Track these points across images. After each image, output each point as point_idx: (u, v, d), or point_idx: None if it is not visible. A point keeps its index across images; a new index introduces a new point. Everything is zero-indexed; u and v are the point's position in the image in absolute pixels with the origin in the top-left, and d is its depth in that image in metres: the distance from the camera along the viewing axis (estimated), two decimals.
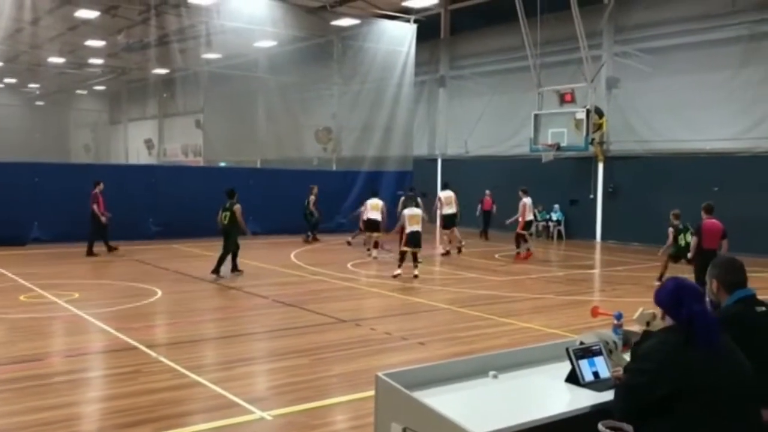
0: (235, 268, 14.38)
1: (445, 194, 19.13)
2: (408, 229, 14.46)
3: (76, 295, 11.80)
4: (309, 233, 21.53)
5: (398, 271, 14.28)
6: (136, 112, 44.74)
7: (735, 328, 3.54)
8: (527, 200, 18.12)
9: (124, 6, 24.50)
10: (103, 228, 17.54)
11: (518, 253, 18.07)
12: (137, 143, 42.76)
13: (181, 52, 26.52)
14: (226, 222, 14.17)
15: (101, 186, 17.66)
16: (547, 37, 21.91)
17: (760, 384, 3.27)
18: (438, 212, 19.38)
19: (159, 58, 28.00)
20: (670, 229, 13.71)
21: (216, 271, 13.97)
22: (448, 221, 18.92)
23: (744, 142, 19.24)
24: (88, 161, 35.60)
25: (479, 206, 23.23)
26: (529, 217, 18.44)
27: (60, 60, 32.01)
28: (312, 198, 21.40)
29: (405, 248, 14.50)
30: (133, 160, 41.00)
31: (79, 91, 43.44)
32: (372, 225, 18.05)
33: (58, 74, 34.90)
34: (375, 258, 17.33)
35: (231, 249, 14.24)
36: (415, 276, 14.20)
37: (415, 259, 14.43)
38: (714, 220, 11.58)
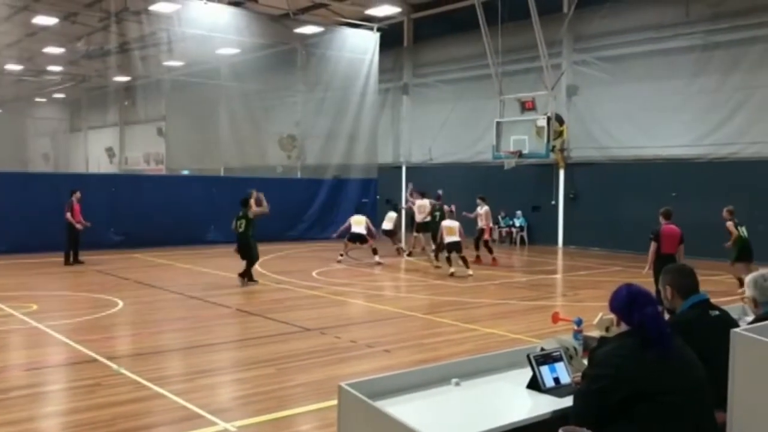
0: (244, 275, 14.31)
1: (421, 203, 19.20)
2: (447, 240, 15.99)
3: (34, 306, 11.59)
4: None
5: (452, 269, 15.84)
6: (97, 120, 44.10)
7: (690, 332, 3.63)
8: (485, 208, 18.59)
9: (83, 13, 24.20)
10: (75, 237, 17.34)
11: (494, 259, 18.33)
12: (98, 152, 42.15)
13: (142, 60, 26.23)
14: (242, 229, 14.27)
15: (78, 195, 17.50)
16: (508, 46, 22.15)
17: (714, 387, 3.34)
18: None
19: (120, 66, 27.66)
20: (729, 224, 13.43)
21: (250, 278, 14.28)
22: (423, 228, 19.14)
23: (700, 149, 19.66)
24: (48, 170, 35.04)
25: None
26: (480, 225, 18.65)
27: (18, 67, 31.42)
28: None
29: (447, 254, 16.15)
30: (94, 168, 40.40)
31: (37, 99, 42.68)
32: (357, 237, 18.39)
33: (15, 81, 34.23)
34: (379, 263, 17.80)
35: (256, 255, 14.50)
36: (470, 275, 15.68)
37: (464, 262, 15.92)
38: (672, 226, 11.77)
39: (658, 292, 4.36)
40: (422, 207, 18.89)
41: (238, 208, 14.58)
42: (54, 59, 32.70)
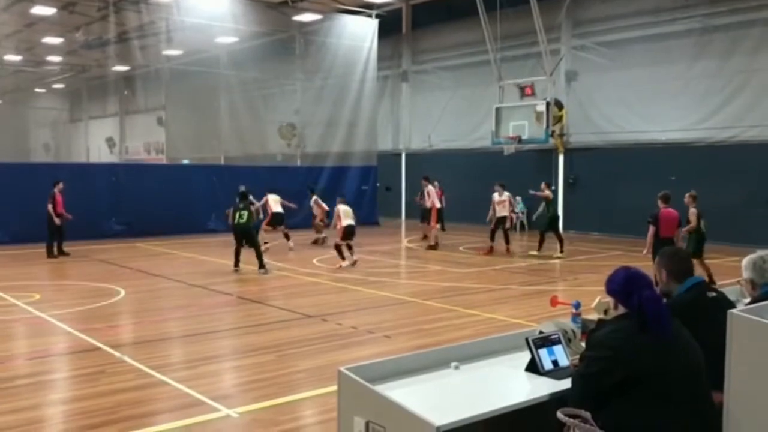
0: (261, 267, 14.47)
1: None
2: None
3: (37, 296, 11.65)
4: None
5: None
6: (97, 110, 44.10)
7: (689, 314, 3.66)
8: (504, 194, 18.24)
9: (81, 2, 24.12)
10: (57, 229, 17.00)
11: (508, 249, 17.90)
12: (98, 141, 42.15)
13: (141, 49, 26.19)
14: (243, 221, 14.54)
15: (60, 185, 17.17)
16: (507, 32, 22.09)
17: (712, 368, 3.37)
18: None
19: (119, 55, 27.63)
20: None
21: (261, 265, 14.43)
22: (427, 215, 19.26)
23: (699, 133, 19.66)
24: (49, 160, 35.06)
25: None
26: (503, 213, 18.17)
27: (17, 58, 31.40)
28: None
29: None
30: (95, 158, 40.43)
31: (37, 90, 42.63)
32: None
33: (15, 72, 34.22)
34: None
35: (258, 245, 14.87)
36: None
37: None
38: (670, 209, 11.81)
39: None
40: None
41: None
42: (53, 49, 32.64)
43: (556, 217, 18.11)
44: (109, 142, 41.88)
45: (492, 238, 17.91)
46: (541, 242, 17.35)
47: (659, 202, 11.98)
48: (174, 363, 7.86)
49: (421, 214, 19.55)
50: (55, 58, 35.10)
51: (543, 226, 17.53)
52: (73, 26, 27.14)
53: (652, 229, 11.74)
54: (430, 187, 19.36)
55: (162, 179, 22.26)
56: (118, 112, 41.92)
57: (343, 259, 15.12)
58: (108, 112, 42.81)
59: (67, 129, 46.20)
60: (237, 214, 14.63)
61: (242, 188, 16.08)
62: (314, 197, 20.18)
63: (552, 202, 17.85)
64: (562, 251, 17.02)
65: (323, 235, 19.56)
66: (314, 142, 27.63)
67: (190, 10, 23.26)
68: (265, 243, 17.74)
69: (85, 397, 6.56)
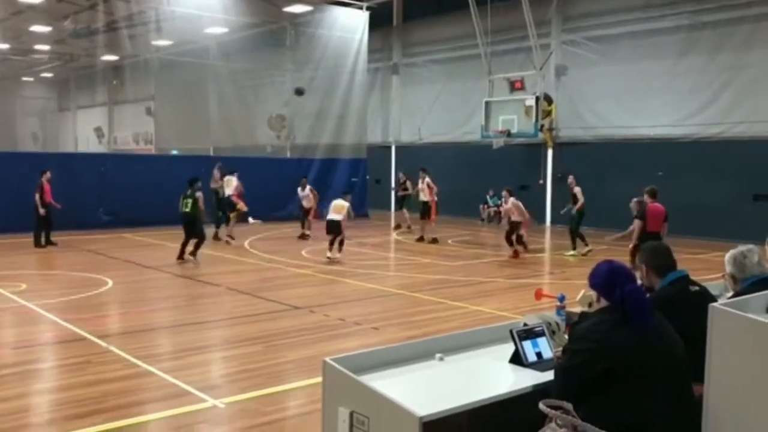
0: (193, 254, 14.43)
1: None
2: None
3: (24, 286, 11.61)
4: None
5: None
6: (85, 100, 43.84)
7: (671, 307, 3.69)
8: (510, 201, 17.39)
9: None
10: (44, 219, 16.84)
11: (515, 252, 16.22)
12: (87, 131, 41.94)
13: (130, 39, 26.04)
14: (188, 209, 14.27)
15: (48, 175, 17.00)
16: (497, 26, 22.10)
17: (694, 361, 3.40)
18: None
19: (108, 45, 27.47)
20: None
21: (193, 253, 14.37)
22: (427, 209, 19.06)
23: (686, 129, 19.78)
24: (36, 150, 34.87)
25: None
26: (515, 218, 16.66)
27: (4, 46, 31.18)
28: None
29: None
30: (83, 148, 40.24)
31: (25, 78, 42.35)
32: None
33: (2, 60, 33.98)
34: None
35: (203, 235, 14.55)
36: None
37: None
38: (657, 204, 11.88)
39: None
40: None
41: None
42: (41, 38, 32.40)
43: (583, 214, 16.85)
44: (98, 132, 41.67)
45: (510, 243, 16.20)
46: (574, 240, 16.43)
47: (646, 197, 12.05)
48: (161, 353, 7.87)
49: (421, 208, 19.11)
50: (43, 47, 34.85)
51: (574, 223, 16.58)
52: (61, 15, 26.95)
53: (639, 223, 11.79)
54: (428, 179, 19.07)
55: (150, 170, 22.17)
56: (106, 101, 41.69)
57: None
58: (96, 102, 42.57)
59: (55, 118, 45.94)
60: (183, 202, 14.43)
61: (224, 174, 15.90)
62: (308, 187, 20.00)
63: (576, 199, 16.81)
64: (575, 249, 16.34)
65: (308, 231, 19.14)
66: (304, 134, 27.58)
67: (180, 0, 23.15)
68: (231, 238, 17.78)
69: (72, 386, 6.56)
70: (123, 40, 25.53)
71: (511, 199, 16.42)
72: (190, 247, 14.45)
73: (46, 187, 16.87)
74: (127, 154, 31.19)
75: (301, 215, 19.73)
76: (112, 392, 6.36)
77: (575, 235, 16.43)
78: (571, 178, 16.97)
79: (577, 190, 16.61)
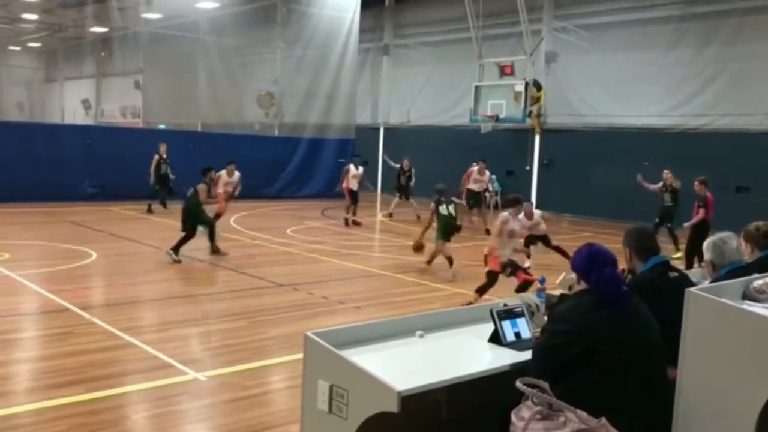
0: (215, 251, 12.71)
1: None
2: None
3: (7, 255, 11.57)
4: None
5: None
6: (73, 71, 43.43)
7: (650, 292, 3.75)
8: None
9: None
10: None
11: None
12: (74, 103, 41.58)
13: (120, 11, 25.85)
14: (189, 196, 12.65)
15: None
16: (489, 10, 22.05)
17: (670, 345, 3.47)
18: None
19: (97, 16, 27.24)
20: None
21: (215, 249, 12.68)
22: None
23: (672, 119, 19.90)
24: (22, 120, 34.56)
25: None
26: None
27: None
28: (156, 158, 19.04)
29: None
30: (70, 120, 39.87)
31: (11, 47, 41.90)
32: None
33: None
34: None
35: (210, 221, 12.80)
36: None
37: None
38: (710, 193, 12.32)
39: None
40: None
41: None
42: (29, 7, 32.02)
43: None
44: (85, 104, 41.33)
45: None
46: (675, 238, 14.29)
47: (703, 187, 12.28)
48: (143, 326, 7.89)
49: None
50: (31, 16, 34.44)
51: (670, 219, 14.40)
52: None
53: (702, 212, 12.05)
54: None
55: (137, 143, 22.03)
56: (94, 74, 41.33)
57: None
58: (84, 74, 42.18)
59: (41, 89, 45.51)
60: (190, 190, 12.80)
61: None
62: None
63: (676, 194, 14.52)
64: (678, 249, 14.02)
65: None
66: (292, 113, 27.48)
67: None
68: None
69: (53, 356, 6.58)
70: (112, 12, 25.34)
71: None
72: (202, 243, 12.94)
73: None
74: (114, 127, 30.92)
75: (353, 198, 17.94)
76: (93, 363, 6.39)
77: (673, 235, 14.33)
78: (667, 172, 14.93)
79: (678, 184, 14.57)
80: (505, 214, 9.48)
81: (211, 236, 12.68)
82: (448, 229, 12.11)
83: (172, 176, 18.62)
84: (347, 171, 18.03)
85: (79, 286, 9.84)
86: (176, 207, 14.06)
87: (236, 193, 15.33)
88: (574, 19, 22.18)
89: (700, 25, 19.37)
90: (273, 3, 27.25)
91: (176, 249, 11.93)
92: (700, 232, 11.74)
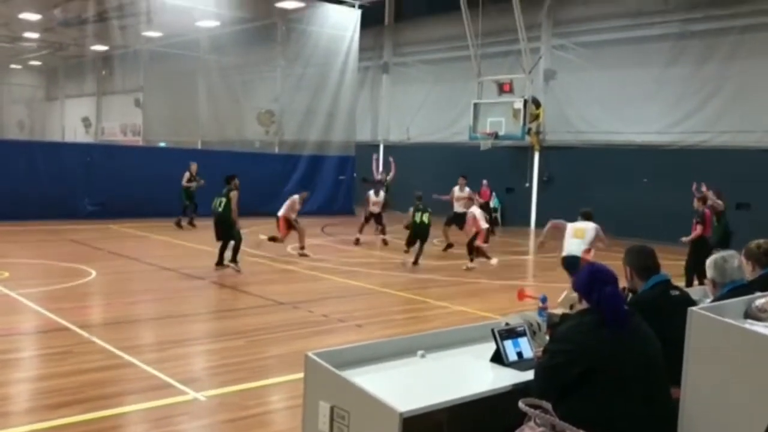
0: (233, 260, 12.84)
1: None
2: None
3: (6, 274, 11.54)
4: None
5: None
6: (74, 89, 43.54)
7: (651, 311, 3.74)
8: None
9: None
10: None
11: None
12: (74, 121, 41.66)
13: (120, 29, 25.93)
14: (220, 209, 12.89)
15: None
16: (488, 28, 22.18)
17: (672, 364, 3.45)
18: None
19: (97, 35, 27.34)
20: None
21: (233, 260, 12.74)
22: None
23: (672, 136, 19.95)
24: (23, 138, 34.62)
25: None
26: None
27: None
28: (186, 175, 19.70)
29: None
30: (70, 138, 39.96)
31: (13, 66, 42.05)
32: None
33: None
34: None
35: (236, 237, 12.90)
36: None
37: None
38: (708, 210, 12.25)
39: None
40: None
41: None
42: (30, 26, 32.13)
43: (729, 233, 13.10)
44: (85, 122, 41.41)
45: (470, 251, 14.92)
46: None
47: (701, 204, 12.21)
48: (143, 345, 7.85)
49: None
50: (33, 35, 34.60)
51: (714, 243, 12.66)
52: (51, 3, 26.79)
53: (699, 228, 11.98)
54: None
55: (137, 161, 22.08)
56: (95, 92, 41.43)
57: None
58: (85, 92, 42.28)
59: (42, 107, 45.62)
60: (216, 201, 13.15)
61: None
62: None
63: (724, 215, 13.35)
64: None
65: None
66: (292, 130, 27.55)
67: None
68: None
69: (52, 376, 6.54)
70: (113, 31, 25.42)
71: (473, 208, 14.70)
72: (228, 253, 13.02)
73: None
74: (114, 145, 30.98)
75: (377, 219, 17.94)
76: (92, 383, 6.35)
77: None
78: (707, 189, 13.82)
79: (720, 203, 13.45)
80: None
81: (236, 248, 12.89)
82: (414, 235, 14.27)
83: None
84: (368, 198, 17.93)
85: (79, 305, 9.80)
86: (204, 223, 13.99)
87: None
88: (573, 37, 22.30)
89: (698, 43, 19.47)
90: (273, 22, 27.39)
91: (234, 259, 12.65)
92: (698, 249, 11.73)
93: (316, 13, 26.43)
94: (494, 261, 14.26)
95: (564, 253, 11.05)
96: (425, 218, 14.15)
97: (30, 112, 44.04)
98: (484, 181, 22.15)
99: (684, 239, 12.27)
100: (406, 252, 14.49)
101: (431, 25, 26.75)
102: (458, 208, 16.60)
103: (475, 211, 14.44)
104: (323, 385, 3.37)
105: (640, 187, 16.23)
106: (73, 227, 18.40)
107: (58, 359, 7.06)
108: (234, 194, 12.85)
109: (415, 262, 14.25)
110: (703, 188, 14.05)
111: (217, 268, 12.76)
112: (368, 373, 3.55)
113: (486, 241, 14.67)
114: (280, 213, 15.36)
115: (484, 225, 14.27)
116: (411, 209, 13.93)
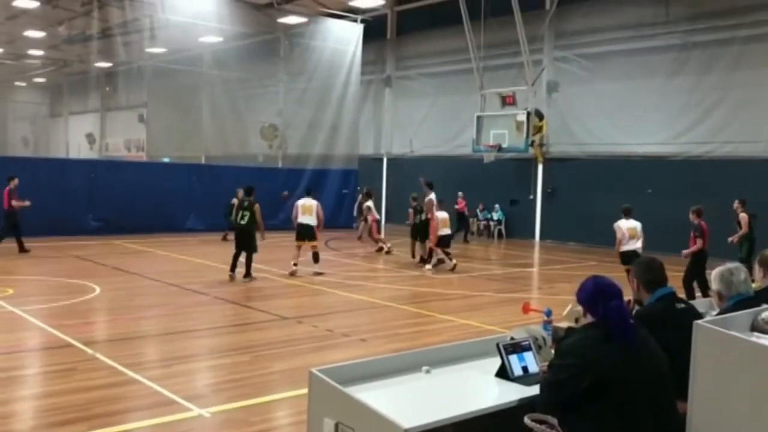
0: (247, 274, 13.40)
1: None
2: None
3: (11, 291, 11.55)
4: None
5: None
6: (78, 106, 43.78)
7: (656, 324, 3.72)
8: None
9: None
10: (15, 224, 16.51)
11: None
12: (78, 137, 41.86)
13: (124, 46, 26.12)
14: (244, 222, 13.42)
15: (16, 182, 16.69)
16: (490, 41, 22.26)
17: (679, 377, 3.43)
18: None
19: (101, 51, 27.54)
20: None
21: (248, 274, 13.36)
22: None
23: (675, 147, 19.94)
24: (27, 154, 34.76)
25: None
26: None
27: None
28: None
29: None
30: (74, 154, 40.15)
31: (18, 83, 42.32)
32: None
33: None
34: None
35: (256, 248, 13.52)
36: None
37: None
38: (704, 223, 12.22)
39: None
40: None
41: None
42: (35, 43, 32.41)
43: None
44: (89, 138, 41.62)
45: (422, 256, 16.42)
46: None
47: (695, 216, 12.24)
48: (147, 361, 7.84)
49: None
50: (37, 52, 34.86)
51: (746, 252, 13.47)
52: (56, 20, 26.99)
53: (700, 242, 11.96)
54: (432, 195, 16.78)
55: (141, 177, 22.15)
56: (99, 108, 41.67)
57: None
58: (89, 108, 42.53)
59: (46, 123, 45.86)
60: (239, 213, 13.61)
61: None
62: (369, 202, 19.75)
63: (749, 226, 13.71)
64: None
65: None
66: (296, 144, 27.64)
67: (174, 8, 23.19)
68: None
69: (56, 393, 6.52)
70: (117, 47, 25.60)
71: (438, 213, 15.59)
72: (241, 259, 13.39)
73: (5, 194, 16.48)
74: (118, 161, 31.09)
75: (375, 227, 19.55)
76: (97, 400, 6.33)
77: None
78: (737, 203, 14.25)
79: (743, 216, 13.87)
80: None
81: (249, 260, 13.45)
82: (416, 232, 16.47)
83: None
84: (370, 207, 19.40)
85: (83, 322, 9.79)
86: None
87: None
88: (575, 49, 22.34)
89: (701, 54, 19.49)
90: (276, 36, 27.53)
91: (248, 273, 13.23)
92: (696, 261, 11.83)
93: (318, 28, 26.56)
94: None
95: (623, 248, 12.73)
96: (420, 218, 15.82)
97: (34, 128, 44.29)
98: (460, 193, 22.35)
99: (685, 253, 12.25)
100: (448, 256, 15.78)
101: (433, 39, 26.85)
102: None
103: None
104: (328, 401, 3.35)
105: (644, 198, 16.19)
106: (77, 243, 18.42)
107: (62, 376, 7.04)
108: (257, 207, 13.50)
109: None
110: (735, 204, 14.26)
111: (231, 275, 13.41)
112: (373, 389, 3.54)
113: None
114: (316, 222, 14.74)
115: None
116: (410, 210, 14.22)
